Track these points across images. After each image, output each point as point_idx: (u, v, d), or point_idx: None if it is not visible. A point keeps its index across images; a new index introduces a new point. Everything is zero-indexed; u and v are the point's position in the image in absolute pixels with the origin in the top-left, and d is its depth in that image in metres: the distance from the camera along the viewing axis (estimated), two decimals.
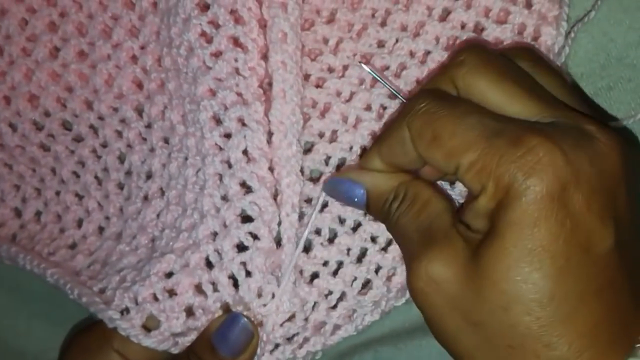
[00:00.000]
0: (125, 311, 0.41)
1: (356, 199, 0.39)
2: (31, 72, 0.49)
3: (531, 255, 0.31)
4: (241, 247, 0.41)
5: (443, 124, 0.34)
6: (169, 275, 0.41)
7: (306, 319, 0.42)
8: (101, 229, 0.47)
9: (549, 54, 0.42)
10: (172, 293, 0.41)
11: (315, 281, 0.42)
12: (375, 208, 0.38)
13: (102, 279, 0.43)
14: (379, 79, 0.42)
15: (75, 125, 0.48)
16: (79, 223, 0.47)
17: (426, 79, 0.43)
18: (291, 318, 0.42)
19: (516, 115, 0.34)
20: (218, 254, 0.41)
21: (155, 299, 0.41)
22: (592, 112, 0.35)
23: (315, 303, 0.42)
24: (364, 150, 0.44)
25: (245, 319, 0.40)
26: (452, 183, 0.41)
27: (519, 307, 0.31)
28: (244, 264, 0.41)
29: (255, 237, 0.41)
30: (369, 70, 0.42)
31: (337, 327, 0.43)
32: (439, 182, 0.40)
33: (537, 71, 0.36)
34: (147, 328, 0.41)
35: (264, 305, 0.41)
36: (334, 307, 0.42)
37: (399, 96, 0.41)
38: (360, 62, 0.43)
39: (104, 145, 0.47)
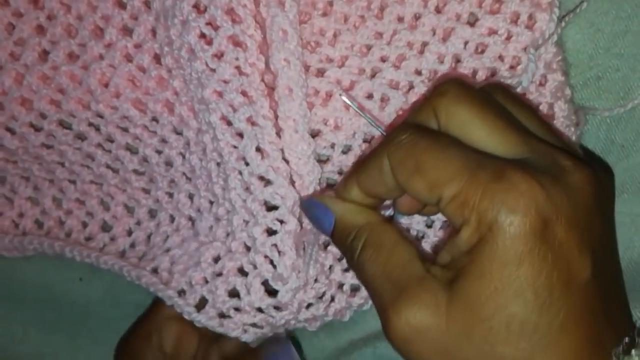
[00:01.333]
0: (181, 292, 0.44)
1: (324, 226, 0.39)
2: (21, 76, 0.48)
3: (516, 291, 0.31)
4: (271, 231, 0.43)
5: (426, 155, 0.34)
6: (216, 260, 0.45)
7: (327, 278, 0.45)
8: (129, 209, 0.48)
9: (540, 38, 0.42)
10: (219, 275, 0.44)
11: (329, 247, 0.45)
12: (338, 240, 0.39)
13: (151, 259, 0.46)
14: (358, 110, 0.42)
15: (74, 125, 0.48)
16: (106, 206, 0.49)
17: (428, 72, 0.44)
18: (316, 280, 0.44)
19: (495, 148, 0.34)
20: (252, 239, 0.43)
21: (206, 281, 0.44)
22: (563, 143, 0.36)
23: (330, 266, 0.45)
24: (368, 140, 0.45)
25: (295, 352, 0.43)
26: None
27: (505, 342, 0.32)
28: (275, 245, 0.43)
29: (281, 221, 0.43)
30: (350, 103, 0.42)
31: (355, 288, 0.45)
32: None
33: (511, 106, 0.36)
34: (198, 307, 0.44)
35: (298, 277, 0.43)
36: (347, 269, 0.45)
37: (379, 129, 0.42)
38: (341, 94, 0.43)
39: (110, 140, 0.48)
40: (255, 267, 0.44)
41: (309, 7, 0.45)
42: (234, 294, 0.44)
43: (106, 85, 0.46)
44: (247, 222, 0.44)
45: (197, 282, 0.44)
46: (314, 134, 0.45)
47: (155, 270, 0.45)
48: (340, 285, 0.45)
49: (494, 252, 0.31)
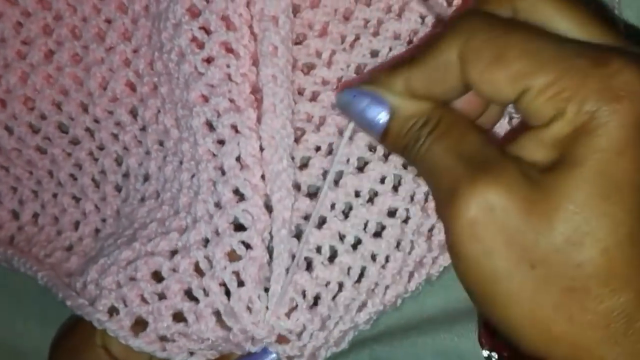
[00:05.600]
0: (114, 311, 0.40)
1: (374, 120, 0.32)
2: (26, 75, 0.47)
3: (615, 186, 0.27)
4: (233, 256, 0.39)
5: (509, 43, 0.29)
6: (158, 278, 0.40)
7: (311, 309, 0.39)
8: (97, 231, 0.46)
9: None
10: (161, 296, 0.40)
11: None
12: (397, 133, 0.32)
13: (82, 273, 0.41)
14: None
15: (71, 128, 0.47)
16: (76, 225, 0.46)
17: None
18: (292, 310, 0.39)
19: (588, 39, 0.29)
20: (209, 261, 0.39)
21: (144, 301, 0.40)
22: None
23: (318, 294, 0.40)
24: (361, 162, 0.41)
25: (275, 354, 0.38)
26: None
27: (593, 244, 0.27)
28: (236, 273, 0.38)
29: (248, 246, 0.39)
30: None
31: (363, 304, 0.40)
32: None
33: None
34: (135, 330, 0.40)
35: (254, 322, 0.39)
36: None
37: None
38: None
39: (101, 148, 0.46)
40: (206, 294, 0.39)
41: (305, 28, 0.43)
42: (180, 317, 0.40)
43: (104, 89, 0.46)
44: (207, 241, 0.39)
45: (133, 302, 0.40)
46: (305, 163, 0.41)
47: (84, 285, 0.41)
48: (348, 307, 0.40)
49: (595, 143, 0.27)
